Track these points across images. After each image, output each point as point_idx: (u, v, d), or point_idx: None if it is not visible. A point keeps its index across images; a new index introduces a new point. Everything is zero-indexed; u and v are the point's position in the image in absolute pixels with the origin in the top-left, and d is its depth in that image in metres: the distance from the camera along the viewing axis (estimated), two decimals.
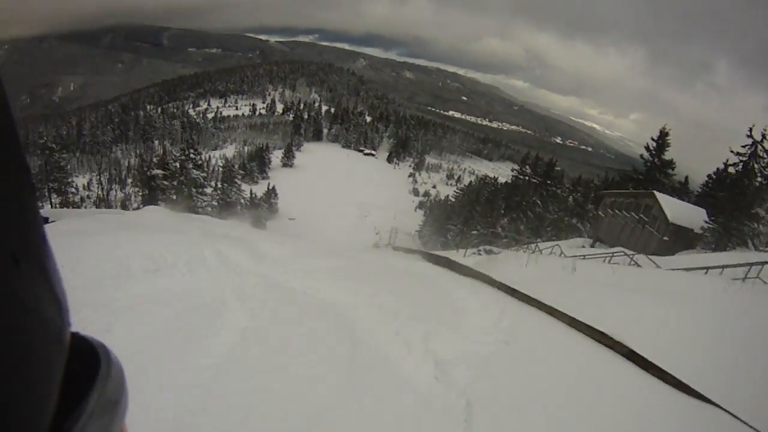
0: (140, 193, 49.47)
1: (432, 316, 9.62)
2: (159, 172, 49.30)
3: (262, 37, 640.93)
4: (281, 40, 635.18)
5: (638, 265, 19.91)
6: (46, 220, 13.85)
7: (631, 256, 22.16)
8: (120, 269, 8.77)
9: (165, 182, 48.74)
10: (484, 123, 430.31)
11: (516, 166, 78.98)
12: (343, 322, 8.60)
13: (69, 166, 54.30)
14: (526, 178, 64.32)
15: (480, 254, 29.40)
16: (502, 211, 61.37)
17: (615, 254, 23.40)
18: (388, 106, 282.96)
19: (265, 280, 10.70)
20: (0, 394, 0.36)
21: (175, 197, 48.40)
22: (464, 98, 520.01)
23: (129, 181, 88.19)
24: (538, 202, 57.00)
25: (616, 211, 37.95)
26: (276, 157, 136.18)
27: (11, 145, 0.40)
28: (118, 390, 0.55)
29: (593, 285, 13.46)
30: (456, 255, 27.77)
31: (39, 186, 40.85)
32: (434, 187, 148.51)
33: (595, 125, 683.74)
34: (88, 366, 0.52)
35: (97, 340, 0.56)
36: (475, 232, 51.67)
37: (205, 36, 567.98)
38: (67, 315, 0.49)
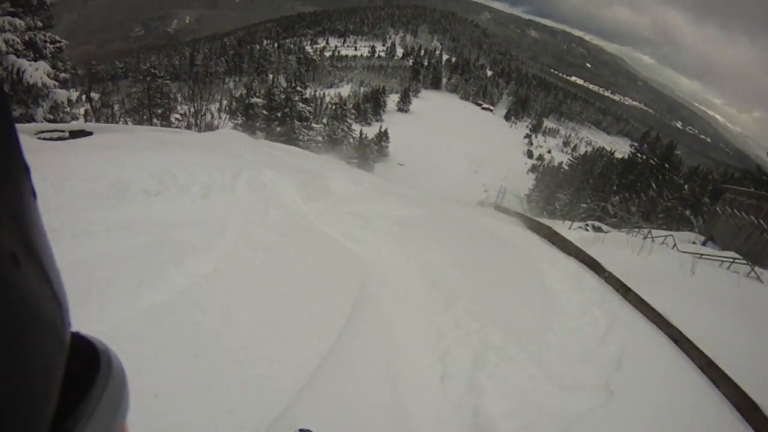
0: (238, 121, 47.91)
1: (504, 315, 7.20)
2: (258, 100, 48.06)
3: None
4: None
5: (760, 280, 16.13)
6: (83, 133, 13.84)
7: (751, 265, 18.29)
8: (113, 189, 7.46)
9: (264, 111, 47.55)
10: (606, 94, 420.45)
11: (634, 143, 74.12)
12: (361, 301, 6.51)
13: (179, 94, 54.72)
14: (644, 157, 59.50)
15: (587, 230, 25.79)
16: (615, 188, 57.14)
17: (736, 260, 19.75)
18: (511, 63, 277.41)
19: (294, 220, 9.05)
20: (0, 394, 0.35)
21: (278, 129, 47.20)
22: (588, 65, 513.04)
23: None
24: (653, 185, 52.69)
25: (735, 211, 33.23)
26: (392, 101, 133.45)
27: (11, 144, 0.41)
28: (118, 389, 0.54)
29: (719, 300, 9.98)
30: (560, 226, 24.66)
31: (140, 110, 40.80)
32: (549, 151, 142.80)
33: (717, 115, 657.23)
34: (88, 365, 0.52)
35: (98, 340, 0.56)
36: (584, 204, 48.52)
37: None
38: (67, 315, 0.48)
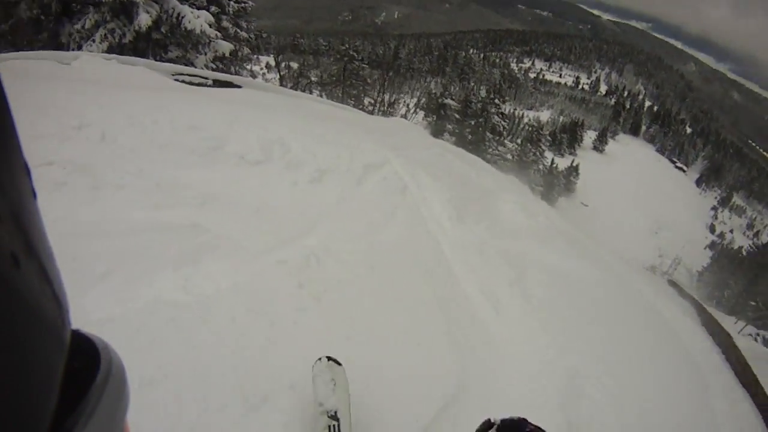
0: (428, 119, 47.37)
1: None
2: (451, 102, 47.51)
3: (595, 11, 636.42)
4: (613, 19, 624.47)
5: None
6: (230, 85, 13.66)
7: None
8: (205, 146, 6.66)
9: (456, 115, 46.71)
10: None
11: None
12: None
13: (378, 81, 54.98)
14: None
15: (756, 340, 21.84)
16: None
17: None
18: (711, 124, 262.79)
19: (418, 243, 6.97)
20: (0, 394, 0.35)
21: (469, 136, 46.16)
22: None
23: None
24: None
25: None
26: (589, 137, 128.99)
27: (11, 144, 0.40)
28: (118, 387, 0.54)
29: None
30: (726, 320, 21.55)
31: (334, 86, 42.39)
32: (731, 231, 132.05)
33: None
34: (88, 363, 0.52)
35: (98, 337, 0.56)
36: (753, 303, 44.08)
37: None
38: (67, 314, 0.48)
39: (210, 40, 21.85)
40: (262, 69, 54.23)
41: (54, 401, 0.42)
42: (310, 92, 40.75)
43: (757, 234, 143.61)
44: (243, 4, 25.55)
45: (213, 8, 23.10)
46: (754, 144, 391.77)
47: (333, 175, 7.19)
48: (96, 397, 0.48)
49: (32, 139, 5.21)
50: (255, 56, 41.79)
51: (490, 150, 46.51)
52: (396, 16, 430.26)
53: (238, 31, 25.04)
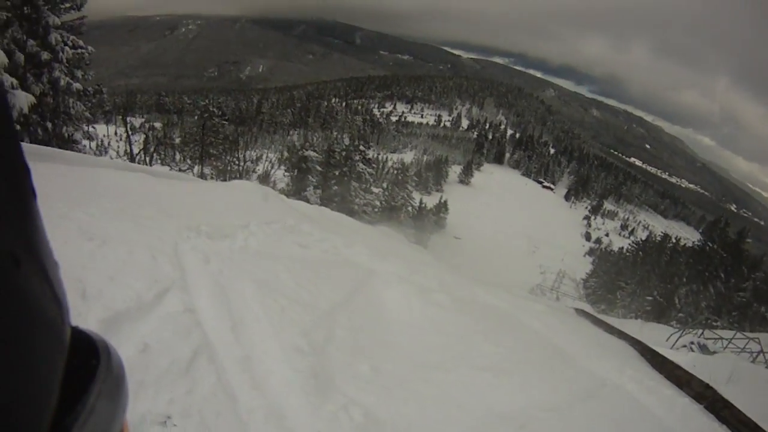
0: (289, 174, 46.00)
1: None
2: (313, 153, 45.81)
3: (457, 51, 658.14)
4: (475, 57, 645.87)
5: None
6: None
7: None
8: None
9: (318, 167, 45.49)
10: (664, 176, 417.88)
11: (689, 228, 71.66)
12: None
13: (241, 138, 53.58)
14: (714, 246, 56.04)
15: (692, 350, 21.63)
16: (684, 280, 53.54)
17: None
18: (573, 141, 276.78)
19: None
20: (1, 393, 0.35)
21: (335, 188, 45.54)
22: (647, 146, 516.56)
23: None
24: (722, 275, 49.08)
25: None
26: (454, 171, 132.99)
27: (11, 145, 0.41)
28: (118, 385, 0.54)
29: None
30: (630, 327, 21.36)
31: (191, 146, 40.41)
32: (607, 235, 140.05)
33: None
34: (88, 361, 0.52)
35: (97, 335, 0.56)
36: (650, 298, 45.68)
37: (398, 41, 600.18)
38: (67, 314, 0.48)
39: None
40: (110, 134, 51.81)
41: (54, 399, 0.43)
42: (173, 153, 40.92)
43: (632, 232, 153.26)
44: (80, 51, 22.38)
45: (45, 54, 20.29)
46: (616, 152, 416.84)
47: None
48: (96, 395, 0.48)
49: None
50: (104, 115, 39.64)
51: (357, 200, 46.51)
52: (261, 70, 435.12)
53: (71, 82, 21.70)
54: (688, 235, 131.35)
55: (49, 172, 9.50)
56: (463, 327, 8.37)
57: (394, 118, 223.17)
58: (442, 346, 7.34)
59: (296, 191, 41.82)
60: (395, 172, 75.79)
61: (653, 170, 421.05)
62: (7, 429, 0.36)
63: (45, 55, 20.52)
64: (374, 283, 9.10)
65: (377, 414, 4.90)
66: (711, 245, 57.52)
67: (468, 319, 8.94)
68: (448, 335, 7.81)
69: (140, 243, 6.47)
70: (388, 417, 4.96)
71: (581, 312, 24.74)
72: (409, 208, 66.03)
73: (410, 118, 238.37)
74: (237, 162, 42.86)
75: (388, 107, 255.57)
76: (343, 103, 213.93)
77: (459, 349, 7.38)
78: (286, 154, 53.39)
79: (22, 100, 17.44)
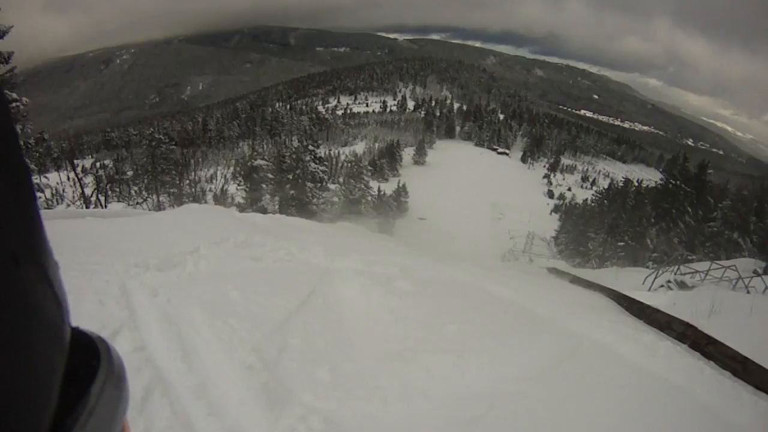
0: (242, 187, 45.50)
1: None
2: (262, 162, 45.41)
3: (392, 35, 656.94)
4: (411, 38, 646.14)
5: None
6: None
7: None
8: None
9: (270, 174, 45.17)
10: (616, 123, 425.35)
11: (649, 169, 72.33)
12: None
13: (192, 160, 53.22)
14: (677, 183, 57.13)
15: (670, 288, 21.57)
16: (652, 220, 54.59)
17: None
18: (521, 104, 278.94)
19: None
20: (1, 393, 0.36)
21: (291, 192, 45.04)
22: (595, 96, 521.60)
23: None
24: (689, 209, 50.13)
25: None
26: (407, 154, 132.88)
27: (11, 145, 0.41)
28: (118, 385, 0.54)
29: None
30: (606, 276, 21.70)
31: (143, 177, 40.28)
32: (569, 189, 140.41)
33: (726, 126, 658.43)
34: (88, 361, 0.52)
35: (97, 335, 0.56)
36: (621, 243, 46.55)
37: (332, 35, 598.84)
38: (67, 314, 0.48)
39: None
40: (63, 180, 50.82)
41: (54, 400, 0.43)
42: (128, 188, 40.21)
43: (593, 182, 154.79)
44: (15, 103, 21.49)
45: None
46: (565, 107, 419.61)
47: None
48: (96, 396, 0.48)
49: None
50: (53, 162, 39.24)
51: (315, 200, 46.45)
52: (201, 88, 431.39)
53: None
54: (650, 176, 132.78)
55: None
56: (423, 311, 8.30)
57: (339, 112, 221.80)
58: (401, 335, 7.39)
59: (252, 202, 41.85)
60: (349, 165, 75.90)
61: (605, 119, 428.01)
62: (7, 429, 0.36)
63: None
64: (331, 283, 9.16)
65: (338, 418, 5.06)
66: (673, 182, 58.21)
67: (430, 302, 8.88)
68: (406, 323, 7.82)
69: (87, 290, 6.43)
70: (352, 419, 5.15)
71: (554, 270, 25.32)
72: (369, 198, 65.41)
73: (356, 109, 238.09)
74: (190, 185, 42.67)
75: (332, 102, 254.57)
76: (287, 106, 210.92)
77: (419, 336, 7.38)
78: (238, 167, 53.17)
79: None
